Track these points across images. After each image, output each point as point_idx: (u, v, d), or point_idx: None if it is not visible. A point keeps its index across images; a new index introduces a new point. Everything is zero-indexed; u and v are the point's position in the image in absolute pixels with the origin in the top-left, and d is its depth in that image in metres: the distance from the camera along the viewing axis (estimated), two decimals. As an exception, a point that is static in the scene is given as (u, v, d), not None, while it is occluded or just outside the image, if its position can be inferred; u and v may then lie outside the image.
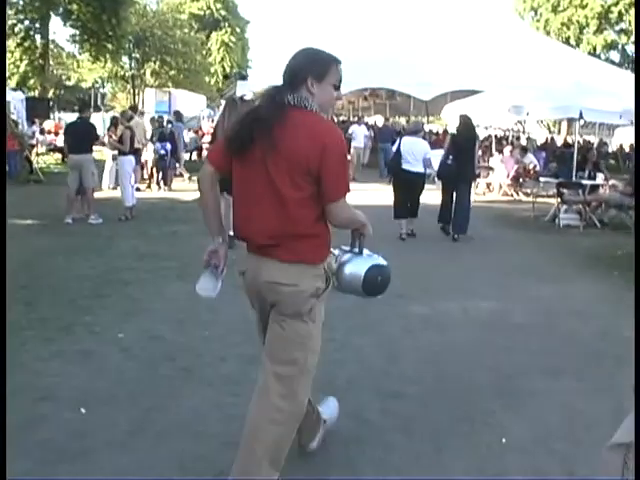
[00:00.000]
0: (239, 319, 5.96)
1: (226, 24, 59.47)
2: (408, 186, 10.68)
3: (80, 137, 11.15)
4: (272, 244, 3.01)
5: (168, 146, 16.53)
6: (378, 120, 30.44)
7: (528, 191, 17.62)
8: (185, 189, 16.30)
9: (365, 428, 4.00)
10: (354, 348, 5.42)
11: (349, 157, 18.30)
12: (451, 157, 10.96)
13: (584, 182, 12.89)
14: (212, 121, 28.98)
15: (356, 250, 3.29)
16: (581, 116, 12.72)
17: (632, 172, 13.66)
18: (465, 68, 20.37)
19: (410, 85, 20.56)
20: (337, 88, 3.09)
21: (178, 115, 20.68)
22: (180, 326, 5.88)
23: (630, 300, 7.16)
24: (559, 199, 12.91)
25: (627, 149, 30.81)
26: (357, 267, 3.26)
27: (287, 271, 3.02)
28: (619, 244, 10.37)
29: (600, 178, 13.28)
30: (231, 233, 10.95)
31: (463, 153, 10.88)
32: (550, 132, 40.48)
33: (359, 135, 22.28)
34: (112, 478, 3.45)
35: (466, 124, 11.31)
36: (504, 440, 3.92)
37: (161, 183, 16.68)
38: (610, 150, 28.75)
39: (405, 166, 10.65)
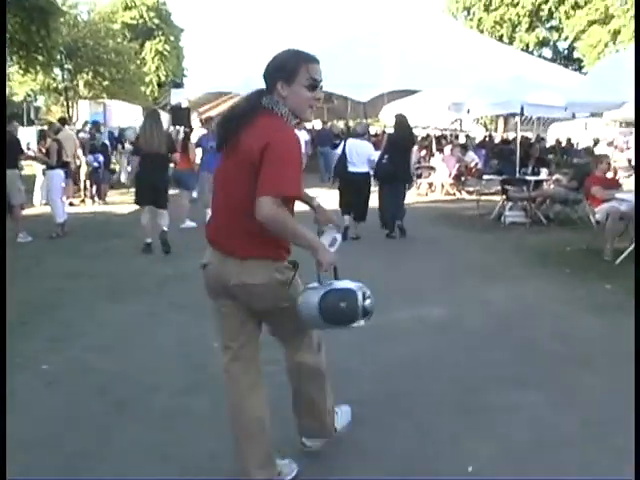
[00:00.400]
0: (174, 342, 5.58)
1: (160, 33, 58.46)
2: (355, 187, 10.52)
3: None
4: (232, 242, 3.08)
5: (101, 158, 15.93)
6: (316, 124, 30.16)
7: (471, 189, 17.53)
8: (121, 202, 15.71)
9: (318, 464, 3.58)
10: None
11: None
12: (386, 156, 10.87)
13: (528, 178, 12.72)
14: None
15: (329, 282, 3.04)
16: (522, 111, 12.55)
17: (575, 166, 13.60)
18: (401, 68, 20.26)
19: (347, 87, 20.30)
20: (313, 88, 3.07)
21: (97, 126, 19.84)
22: (111, 353, 5.39)
23: (584, 298, 7.00)
24: (504, 196, 12.74)
25: (564, 143, 31.20)
26: (311, 296, 2.98)
27: (252, 270, 3.04)
28: (567, 240, 10.20)
29: (544, 173, 13.13)
30: (148, 240, 10.52)
31: (399, 152, 10.86)
32: (487, 130, 40.85)
33: (300, 141, 21.89)
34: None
35: (401, 123, 11.27)
36: (470, 469, 3.55)
37: (95, 197, 16.02)
38: (547, 145, 28.91)
39: (351, 168, 10.59)
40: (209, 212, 12.74)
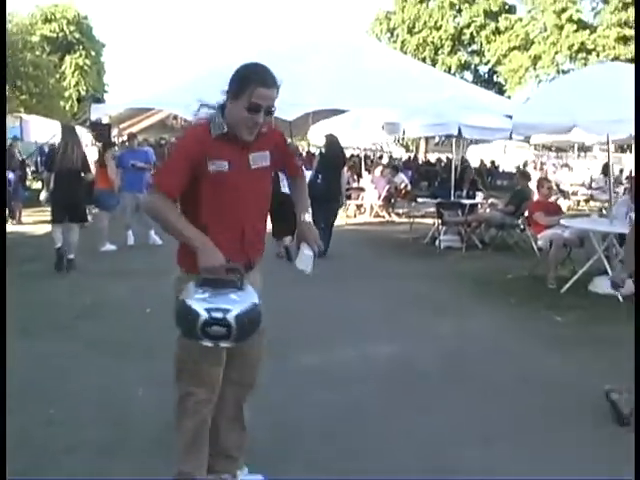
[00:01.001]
0: (93, 390, 4.87)
1: (80, 47, 57.23)
2: (285, 207, 10.07)
3: None
4: None
5: (11, 175, 14.92)
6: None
7: (400, 211, 17.22)
8: (37, 221, 14.75)
9: None
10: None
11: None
12: (320, 176, 10.85)
13: (464, 202, 12.43)
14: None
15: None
16: (460, 133, 12.26)
17: (511, 190, 13.41)
18: (328, 87, 19.93)
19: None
20: (252, 111, 2.93)
21: None
22: (19, 404, 4.54)
23: (537, 332, 6.60)
24: (439, 220, 12.41)
25: (488, 164, 31.68)
26: (184, 294, 2.82)
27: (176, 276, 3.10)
28: (507, 266, 9.85)
29: (479, 197, 12.90)
30: (71, 256, 9.77)
31: (331, 171, 10.88)
32: (408, 150, 41.09)
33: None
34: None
35: (332, 143, 11.36)
36: None
37: (8, 217, 14.96)
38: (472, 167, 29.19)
39: (284, 190, 10.19)
40: (130, 234, 12.00)
